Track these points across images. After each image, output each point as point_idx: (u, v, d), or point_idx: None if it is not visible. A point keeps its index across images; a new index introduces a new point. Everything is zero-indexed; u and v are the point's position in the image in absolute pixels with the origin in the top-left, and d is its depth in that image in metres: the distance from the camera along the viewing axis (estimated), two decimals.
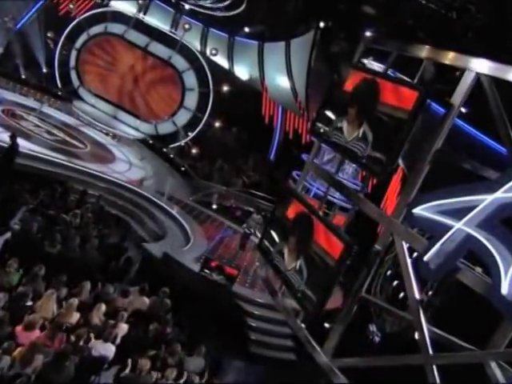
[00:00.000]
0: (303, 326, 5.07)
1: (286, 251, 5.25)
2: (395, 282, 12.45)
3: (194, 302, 10.22)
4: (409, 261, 4.16)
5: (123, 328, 7.86)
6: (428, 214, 3.77)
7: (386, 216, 4.57)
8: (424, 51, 4.40)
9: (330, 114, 5.21)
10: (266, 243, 5.83)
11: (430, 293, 10.95)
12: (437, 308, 11.15)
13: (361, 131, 4.62)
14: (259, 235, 15.11)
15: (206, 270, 10.95)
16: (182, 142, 20.69)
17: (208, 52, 20.46)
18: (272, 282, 6.04)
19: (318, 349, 4.75)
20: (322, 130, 5.35)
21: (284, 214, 5.52)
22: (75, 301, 7.65)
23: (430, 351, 3.92)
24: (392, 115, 4.29)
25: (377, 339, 11.63)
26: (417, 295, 4.12)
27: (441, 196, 3.76)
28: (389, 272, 12.32)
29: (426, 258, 3.74)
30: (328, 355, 4.67)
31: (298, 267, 4.95)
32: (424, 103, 4.08)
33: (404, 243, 4.22)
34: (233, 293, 11.31)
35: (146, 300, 8.99)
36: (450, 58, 4.20)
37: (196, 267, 11.48)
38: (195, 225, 14.59)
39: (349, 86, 5.02)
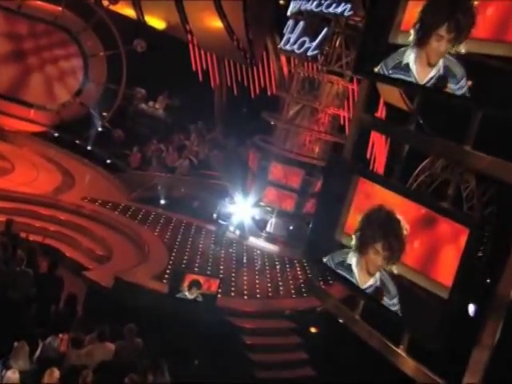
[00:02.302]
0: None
1: (353, 262, 4.83)
2: None
3: (170, 334, 10.06)
4: None
5: None
6: None
7: None
8: None
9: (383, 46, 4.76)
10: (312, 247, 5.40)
11: None
12: None
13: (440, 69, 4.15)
14: (233, 227, 15.10)
15: (178, 290, 10.74)
16: (99, 127, 19.84)
17: (106, 1, 19.57)
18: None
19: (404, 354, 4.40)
20: (373, 67, 4.95)
21: (341, 207, 5.03)
22: (15, 373, 7.05)
23: None
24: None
25: None
26: None
27: None
28: None
29: None
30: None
31: (378, 284, 4.56)
32: None
33: None
34: (218, 309, 11.18)
35: (111, 346, 8.57)
36: None
37: (162, 287, 11.31)
38: (146, 230, 14.54)
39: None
